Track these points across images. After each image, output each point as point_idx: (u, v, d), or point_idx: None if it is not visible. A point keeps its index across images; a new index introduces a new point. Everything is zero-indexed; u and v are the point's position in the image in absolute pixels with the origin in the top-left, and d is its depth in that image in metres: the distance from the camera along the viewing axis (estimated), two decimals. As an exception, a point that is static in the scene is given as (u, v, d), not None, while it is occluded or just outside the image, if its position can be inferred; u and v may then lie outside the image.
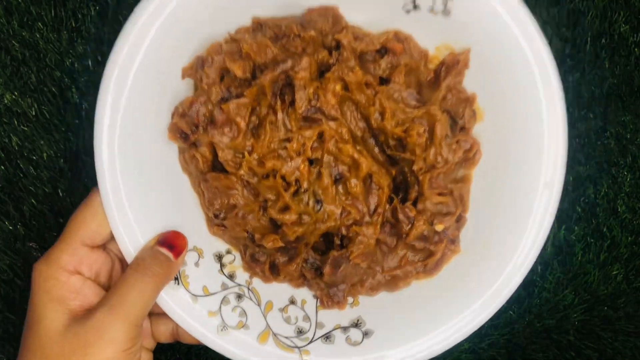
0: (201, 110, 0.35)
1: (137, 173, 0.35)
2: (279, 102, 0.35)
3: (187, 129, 0.36)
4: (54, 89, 0.53)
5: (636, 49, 0.54)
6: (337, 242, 0.38)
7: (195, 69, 0.35)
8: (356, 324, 0.38)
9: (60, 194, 0.52)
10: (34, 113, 0.52)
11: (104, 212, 0.35)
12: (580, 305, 0.54)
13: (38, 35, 0.53)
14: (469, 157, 0.37)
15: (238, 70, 0.35)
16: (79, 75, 0.53)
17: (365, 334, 0.38)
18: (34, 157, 0.52)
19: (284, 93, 0.36)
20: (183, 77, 0.36)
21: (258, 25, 0.36)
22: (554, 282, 0.54)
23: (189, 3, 0.34)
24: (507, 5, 0.34)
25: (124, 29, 0.34)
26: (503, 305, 0.40)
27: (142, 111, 0.35)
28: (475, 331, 0.49)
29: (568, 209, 0.55)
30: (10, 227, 0.52)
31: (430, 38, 0.37)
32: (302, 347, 0.37)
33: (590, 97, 0.55)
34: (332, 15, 0.35)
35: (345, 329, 0.38)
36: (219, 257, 0.38)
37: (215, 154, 0.37)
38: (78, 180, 0.53)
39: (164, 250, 0.35)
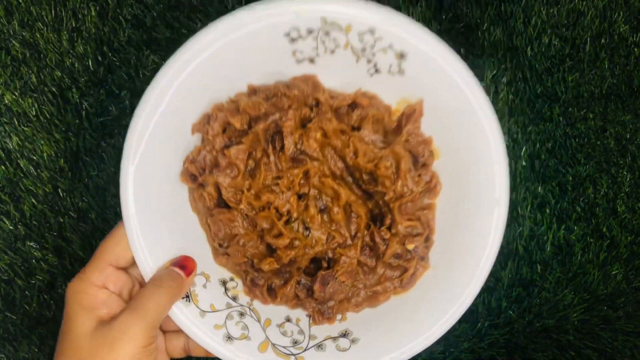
0: (207, 157, 0.43)
1: (155, 210, 0.42)
2: (270, 147, 0.43)
3: (196, 172, 0.43)
4: (54, 89, 0.53)
5: (636, 49, 0.55)
6: (325, 264, 0.45)
7: (203, 124, 0.43)
8: (344, 334, 0.44)
9: (61, 194, 0.52)
10: (34, 113, 0.52)
11: (127, 241, 0.41)
12: (579, 305, 0.54)
13: (38, 35, 0.53)
14: (431, 187, 0.44)
15: (237, 123, 0.42)
16: (79, 75, 0.53)
17: (353, 342, 0.44)
18: (34, 157, 0.52)
19: (274, 140, 0.43)
20: (193, 132, 0.43)
21: (252, 91, 0.43)
22: (554, 282, 0.54)
23: (197, 74, 0.41)
24: (449, 61, 0.41)
25: (144, 95, 0.41)
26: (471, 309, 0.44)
27: (159, 160, 0.42)
28: (474, 332, 0.48)
29: (567, 208, 0.55)
30: (11, 227, 0.52)
31: (392, 95, 0.44)
32: (297, 354, 0.43)
33: (590, 96, 0.55)
34: (312, 82, 0.43)
35: (335, 338, 0.44)
36: (224, 283, 0.45)
37: (219, 193, 0.43)
38: (78, 180, 0.53)
39: (177, 270, 0.41)
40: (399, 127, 0.44)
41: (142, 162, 0.40)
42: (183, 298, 0.42)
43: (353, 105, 0.44)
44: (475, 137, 0.42)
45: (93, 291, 0.40)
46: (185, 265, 0.41)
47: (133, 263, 0.42)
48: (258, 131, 0.42)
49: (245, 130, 0.43)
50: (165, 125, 0.41)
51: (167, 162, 0.42)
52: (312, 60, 0.43)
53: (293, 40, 0.42)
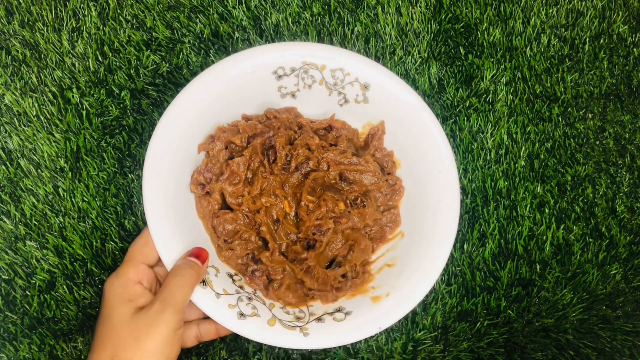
0: (213, 168, 0.51)
1: (171, 217, 0.49)
2: (265, 159, 0.52)
3: (204, 182, 0.51)
4: (54, 89, 0.53)
5: (635, 49, 0.55)
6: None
7: (208, 143, 0.52)
8: (339, 310, 0.51)
9: (61, 194, 0.52)
10: (34, 113, 0.52)
11: (153, 242, 0.48)
12: (578, 305, 0.54)
13: (39, 35, 0.53)
14: (396, 189, 0.55)
15: (237, 140, 0.52)
16: (80, 75, 0.53)
17: (347, 314, 0.50)
18: (35, 157, 0.52)
19: (268, 153, 0.53)
20: (199, 151, 0.52)
21: (246, 119, 0.53)
22: (553, 282, 0.54)
23: (200, 106, 0.50)
24: (402, 89, 0.53)
25: (157, 126, 0.49)
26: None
27: (172, 177, 0.50)
28: (474, 331, 0.48)
29: (567, 208, 0.55)
30: (11, 227, 0.52)
31: (358, 120, 0.56)
32: (301, 326, 0.49)
33: (589, 96, 0.55)
34: (294, 112, 0.55)
35: (331, 313, 0.51)
36: (231, 275, 0.51)
37: (223, 199, 0.52)
38: (78, 180, 0.53)
39: (193, 259, 0.48)
40: (367, 144, 0.56)
41: (159, 180, 0.49)
42: (200, 283, 0.48)
43: (328, 127, 0.55)
44: (427, 146, 0.52)
45: (131, 285, 0.46)
46: (199, 254, 0.48)
47: (157, 262, 0.49)
48: (256, 145, 0.52)
49: (245, 146, 0.52)
50: (176, 145, 0.50)
51: (178, 179, 0.50)
52: (293, 95, 0.54)
53: (280, 77, 0.53)
